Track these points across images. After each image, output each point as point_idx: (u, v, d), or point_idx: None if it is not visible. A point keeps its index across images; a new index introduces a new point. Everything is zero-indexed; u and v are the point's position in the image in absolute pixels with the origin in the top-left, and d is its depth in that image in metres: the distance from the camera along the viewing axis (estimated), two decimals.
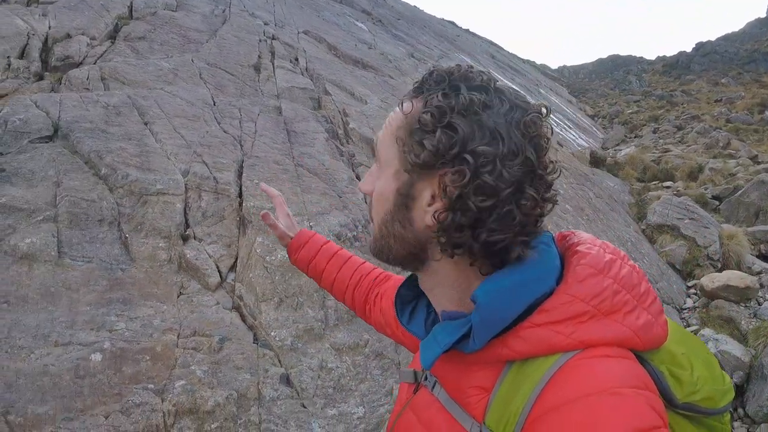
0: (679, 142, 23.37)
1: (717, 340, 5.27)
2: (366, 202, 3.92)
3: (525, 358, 0.82)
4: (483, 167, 0.79)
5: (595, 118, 32.76)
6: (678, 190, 12.55)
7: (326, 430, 2.94)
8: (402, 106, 0.91)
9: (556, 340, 0.79)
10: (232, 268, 3.77)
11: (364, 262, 1.61)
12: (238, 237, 3.99)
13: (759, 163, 16.07)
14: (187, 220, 3.91)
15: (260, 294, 3.49)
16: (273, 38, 9.17)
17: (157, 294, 3.29)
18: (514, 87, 0.91)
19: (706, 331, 5.53)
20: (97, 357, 2.65)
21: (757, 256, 7.65)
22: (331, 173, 5.18)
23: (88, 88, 5.44)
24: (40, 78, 5.78)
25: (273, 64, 7.88)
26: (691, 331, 4.76)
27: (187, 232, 3.82)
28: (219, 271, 3.65)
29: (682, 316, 6.29)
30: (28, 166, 3.80)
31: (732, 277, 6.11)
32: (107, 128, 4.46)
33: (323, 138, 5.89)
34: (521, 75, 29.26)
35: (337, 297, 1.62)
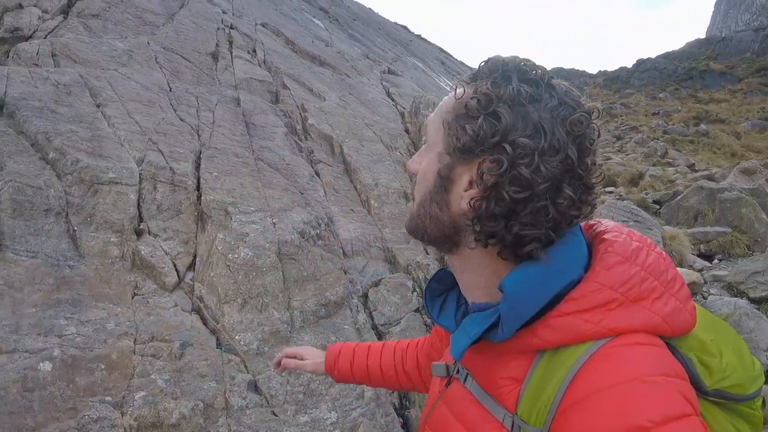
0: (619, 150, 24.38)
1: None
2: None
3: (556, 348, 0.81)
4: (521, 158, 0.79)
5: None
6: (621, 195, 13.12)
7: None
8: (455, 90, 0.90)
9: (585, 328, 0.79)
10: (191, 266, 3.52)
11: (398, 341, 1.58)
12: (196, 233, 3.74)
13: (696, 171, 17.14)
14: (141, 213, 3.62)
15: (222, 295, 3.25)
16: (231, 27, 8.86)
17: (110, 294, 2.99)
18: (567, 84, 0.86)
19: None
20: (46, 366, 2.34)
21: (698, 255, 8.07)
22: (292, 169, 4.99)
23: (37, 64, 5.02)
24: None
25: (231, 53, 7.58)
26: None
27: (141, 227, 3.53)
28: (176, 270, 3.39)
29: None
30: None
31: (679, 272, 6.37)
32: (57, 108, 4.09)
33: (282, 132, 5.68)
34: None
35: (392, 385, 1.56)
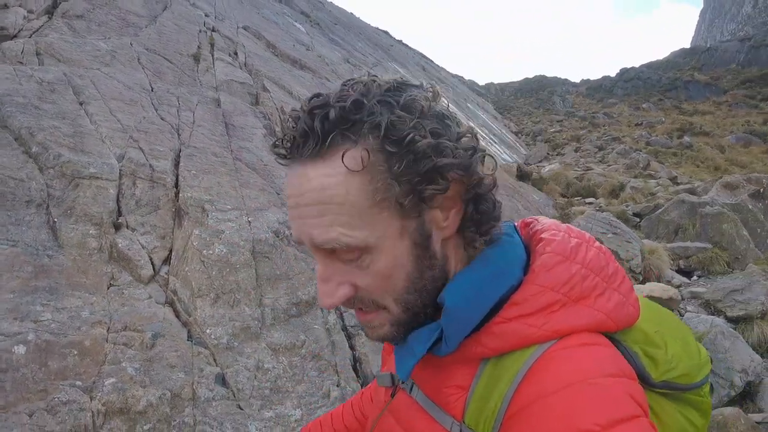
0: (600, 161, 24.47)
1: None
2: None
3: (500, 354, 0.80)
4: (454, 150, 0.77)
5: (519, 135, 33.78)
6: (600, 206, 13.10)
7: None
8: (347, 169, 0.75)
9: (529, 333, 0.77)
10: (166, 261, 3.61)
11: (353, 396, 1.46)
12: (173, 229, 3.83)
13: (678, 183, 17.06)
14: (120, 208, 3.71)
15: (196, 289, 3.35)
16: (213, 30, 8.97)
17: (86, 284, 3.09)
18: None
19: None
20: (20, 349, 2.44)
21: (677, 271, 7.96)
22: (269, 170, 5.09)
23: (21, 62, 5.10)
24: None
25: (212, 55, 7.69)
26: None
27: (119, 221, 3.63)
28: (152, 264, 3.48)
29: None
30: None
31: (655, 288, 6.24)
32: (41, 104, 4.18)
33: (261, 134, 5.79)
34: (450, 89, 29.78)
35: None
